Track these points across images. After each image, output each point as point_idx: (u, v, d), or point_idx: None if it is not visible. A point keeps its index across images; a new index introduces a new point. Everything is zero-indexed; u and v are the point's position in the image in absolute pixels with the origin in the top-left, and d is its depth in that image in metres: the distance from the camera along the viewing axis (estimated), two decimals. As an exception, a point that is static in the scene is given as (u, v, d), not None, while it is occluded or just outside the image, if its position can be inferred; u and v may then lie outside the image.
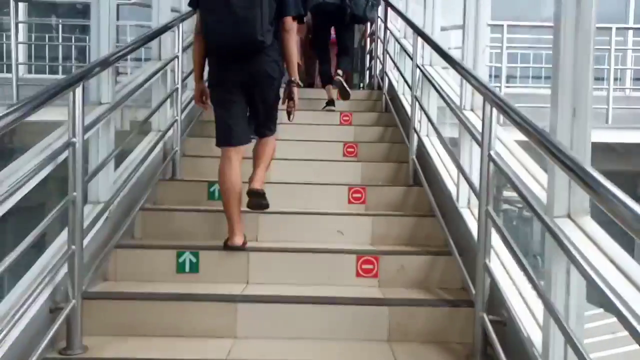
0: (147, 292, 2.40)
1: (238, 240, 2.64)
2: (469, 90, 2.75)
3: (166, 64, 3.37)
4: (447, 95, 2.93)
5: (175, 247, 2.68)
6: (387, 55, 4.90)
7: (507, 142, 2.43)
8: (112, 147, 2.68)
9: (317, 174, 3.60)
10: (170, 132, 3.50)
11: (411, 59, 3.60)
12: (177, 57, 3.48)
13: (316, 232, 2.95)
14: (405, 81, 4.06)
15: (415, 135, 3.50)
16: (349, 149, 4.03)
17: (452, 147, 2.83)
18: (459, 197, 2.70)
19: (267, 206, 2.72)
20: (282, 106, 2.82)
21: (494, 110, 2.08)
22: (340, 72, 4.77)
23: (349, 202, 3.31)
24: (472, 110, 2.74)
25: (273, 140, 2.89)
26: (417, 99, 3.45)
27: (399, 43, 4.47)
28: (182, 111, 3.61)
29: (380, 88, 5.46)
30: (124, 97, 2.73)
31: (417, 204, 3.31)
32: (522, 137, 1.78)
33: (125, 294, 2.39)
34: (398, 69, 4.44)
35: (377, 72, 5.65)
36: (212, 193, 3.29)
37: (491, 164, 2.07)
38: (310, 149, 3.95)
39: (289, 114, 2.79)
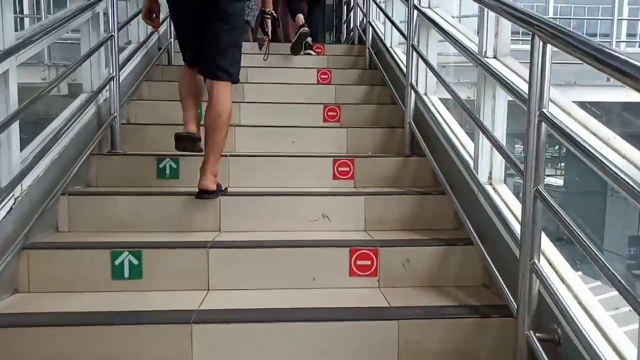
0: (65, 313, 1.75)
1: (191, 128, 2.36)
2: (492, 31, 2.11)
3: (93, 4, 2.61)
4: (459, 41, 2.29)
5: (110, 246, 2.01)
6: (371, 2, 4.19)
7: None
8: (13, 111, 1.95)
9: (294, 144, 2.95)
10: (106, 94, 2.78)
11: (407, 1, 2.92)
12: (109, -7, 2.70)
13: (295, 218, 2.33)
14: (398, 29, 3.38)
15: (413, 94, 2.86)
16: (330, 113, 3.37)
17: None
18: (478, 169, 2.10)
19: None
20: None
21: (549, 48, 1.45)
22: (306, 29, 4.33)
23: (335, 177, 2.68)
24: (496, 58, 2.11)
25: (227, 98, 2.25)
26: (415, 49, 2.80)
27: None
28: (120, 67, 2.88)
29: (362, 42, 4.78)
30: (25, 41, 1.98)
31: (416, 178, 2.70)
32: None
33: (38, 320, 1.73)
34: (387, 16, 3.75)
35: (358, 23, 4.95)
36: (162, 170, 2.61)
37: (543, 126, 1.47)
38: (283, 112, 3.29)
39: (260, 46, 2.56)
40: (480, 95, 2.08)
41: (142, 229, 2.25)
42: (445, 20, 2.71)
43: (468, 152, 2.26)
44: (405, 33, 2.91)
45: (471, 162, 2.16)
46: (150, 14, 2.41)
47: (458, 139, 2.41)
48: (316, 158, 2.73)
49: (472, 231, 2.05)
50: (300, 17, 4.41)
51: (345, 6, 6.02)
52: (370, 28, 4.23)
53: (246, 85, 3.52)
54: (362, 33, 4.79)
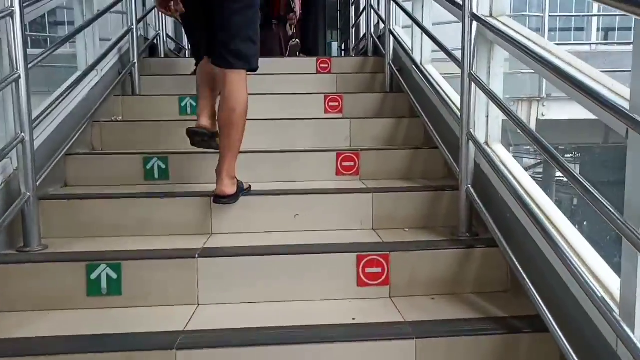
0: None
1: (203, 122, 2.16)
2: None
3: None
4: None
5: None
6: (392, 3, 3.24)
7: None
8: None
9: (297, 219, 2.05)
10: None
11: (458, 6, 1.97)
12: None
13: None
14: (442, 48, 2.38)
15: (472, 147, 1.92)
16: (345, 163, 2.45)
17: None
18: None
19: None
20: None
21: None
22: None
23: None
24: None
25: (242, 89, 1.97)
26: (475, 80, 1.86)
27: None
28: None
29: (378, 53, 3.83)
30: None
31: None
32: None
33: None
34: (417, 24, 2.80)
35: (372, 29, 4.00)
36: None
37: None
38: (281, 168, 2.40)
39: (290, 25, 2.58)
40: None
41: None
42: (527, 38, 1.76)
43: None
44: (460, 58, 1.95)
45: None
46: (165, 2, 2.07)
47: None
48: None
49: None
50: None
51: (353, 6, 5.03)
52: (391, 38, 3.28)
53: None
54: (377, 42, 3.84)
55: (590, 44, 5.50)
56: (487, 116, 1.98)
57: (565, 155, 7.50)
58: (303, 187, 2.22)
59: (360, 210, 2.07)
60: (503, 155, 1.91)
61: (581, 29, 5.81)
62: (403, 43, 3.14)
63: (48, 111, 2.18)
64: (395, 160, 2.46)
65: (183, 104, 3.01)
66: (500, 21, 1.94)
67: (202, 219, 2.03)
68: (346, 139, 2.74)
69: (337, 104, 3.07)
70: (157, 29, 3.86)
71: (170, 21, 4.72)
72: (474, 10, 1.86)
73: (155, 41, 3.89)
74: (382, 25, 3.90)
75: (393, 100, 3.10)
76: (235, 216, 2.04)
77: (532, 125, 4.10)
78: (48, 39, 5.54)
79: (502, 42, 1.83)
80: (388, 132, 2.75)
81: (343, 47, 6.56)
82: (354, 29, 5.00)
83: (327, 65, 3.75)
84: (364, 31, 4.87)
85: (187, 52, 4.83)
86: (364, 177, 2.44)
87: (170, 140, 2.66)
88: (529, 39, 1.77)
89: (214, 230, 2.03)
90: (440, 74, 2.73)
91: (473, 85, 1.88)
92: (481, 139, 1.96)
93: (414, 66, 2.91)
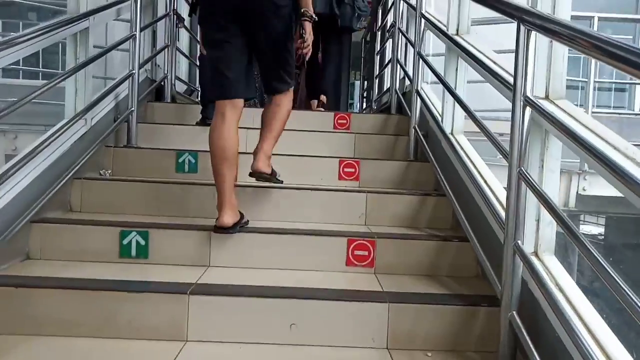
0: None
1: (227, 220, 1.94)
2: None
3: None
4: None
5: None
6: (421, 61, 2.91)
7: None
8: None
9: (293, 330, 1.65)
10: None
11: (508, 85, 1.61)
12: None
13: None
14: (484, 130, 1.97)
15: (519, 263, 1.51)
16: (358, 252, 2.06)
17: None
18: None
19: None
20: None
21: None
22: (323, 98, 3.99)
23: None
24: None
25: (288, 101, 2.20)
26: (526, 178, 1.48)
27: (451, 42, 2.47)
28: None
29: (401, 111, 3.50)
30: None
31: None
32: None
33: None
34: (451, 92, 2.44)
35: (397, 85, 3.67)
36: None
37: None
38: (286, 254, 2.02)
39: (299, 57, 2.18)
40: None
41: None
42: (592, 132, 1.39)
43: None
44: (506, 150, 1.57)
45: None
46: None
47: None
48: None
49: None
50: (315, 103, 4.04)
51: (378, 56, 4.74)
52: (418, 99, 2.94)
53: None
54: (402, 99, 3.51)
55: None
56: (538, 220, 1.60)
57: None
58: (303, 286, 1.83)
59: (372, 324, 1.67)
60: (557, 273, 1.51)
61: (622, 90, 5.44)
62: (431, 107, 2.79)
63: (14, 169, 1.87)
64: (418, 252, 2.07)
65: (180, 160, 2.69)
66: (558, 106, 1.57)
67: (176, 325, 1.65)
68: (361, 217, 2.36)
69: (353, 170, 2.72)
70: (166, 71, 3.59)
71: (184, 62, 4.48)
72: (528, 93, 1.50)
73: (162, 83, 3.62)
74: (407, 82, 3.58)
75: (417, 171, 2.73)
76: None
77: (572, 201, 3.68)
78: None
79: (560, 135, 1.45)
80: (410, 213, 2.37)
81: (364, 94, 6.24)
82: (377, 80, 4.69)
83: (345, 122, 3.42)
84: (388, 84, 4.57)
85: (198, 93, 4.57)
86: (379, 269, 2.05)
87: (157, 206, 2.32)
88: (596, 133, 1.40)
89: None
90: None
91: (523, 185, 1.50)
92: (529, 248, 1.57)
93: (442, 135, 2.55)
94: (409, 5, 3.27)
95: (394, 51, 3.65)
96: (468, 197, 2.15)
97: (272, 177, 2.18)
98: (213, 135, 1.97)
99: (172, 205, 2.32)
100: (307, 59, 2.21)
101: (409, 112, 3.15)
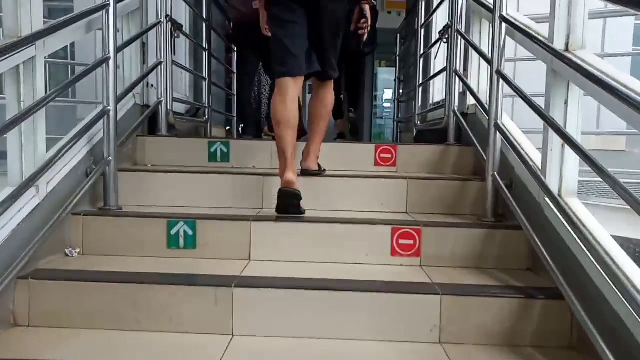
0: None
1: (291, 176, 2.07)
2: None
3: None
4: None
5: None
6: (501, 83, 2.08)
7: None
8: None
9: None
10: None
11: None
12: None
13: None
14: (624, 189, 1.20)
15: None
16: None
17: None
18: None
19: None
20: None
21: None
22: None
23: None
24: None
25: (331, 96, 2.37)
26: None
27: (559, 60, 1.64)
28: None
29: (460, 139, 2.72)
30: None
31: None
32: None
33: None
34: (557, 129, 1.62)
35: (456, 104, 2.86)
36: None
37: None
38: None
39: (360, 36, 2.43)
40: None
41: None
42: None
43: None
44: None
45: None
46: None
47: None
48: None
49: None
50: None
51: (420, 60, 3.89)
52: (498, 135, 2.11)
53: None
54: (463, 122, 2.70)
55: None
56: None
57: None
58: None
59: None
60: None
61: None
62: (521, 149, 1.97)
63: None
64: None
65: (174, 232, 1.95)
66: None
67: None
68: (433, 330, 1.59)
69: (412, 242, 1.95)
70: (160, 95, 2.84)
71: (188, 78, 3.74)
72: None
73: (159, 107, 2.88)
74: (470, 99, 2.77)
75: (504, 245, 1.94)
76: None
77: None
78: None
79: None
80: (508, 329, 1.58)
81: (399, 101, 5.39)
82: (420, 89, 3.86)
83: (390, 156, 2.65)
84: (436, 96, 3.75)
85: (207, 110, 3.82)
86: None
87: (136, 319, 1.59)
88: None
89: None
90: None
91: None
92: None
93: (544, 195, 1.75)
94: (479, 3, 2.43)
95: (450, 60, 2.83)
96: (605, 307, 1.36)
97: (320, 172, 2.39)
98: (279, 107, 2.13)
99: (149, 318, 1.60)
100: (365, 39, 2.45)
101: (475, 142, 2.37)
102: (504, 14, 2.04)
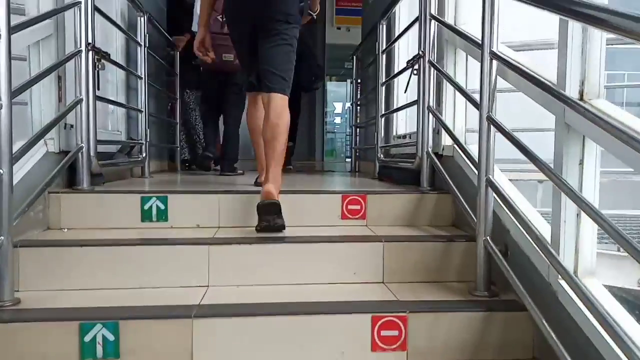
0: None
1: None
2: None
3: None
4: None
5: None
6: (493, 131, 1.75)
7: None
8: None
9: None
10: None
11: None
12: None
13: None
14: None
15: None
16: None
17: None
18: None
19: (282, 227, 2.01)
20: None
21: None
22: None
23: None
24: None
25: (284, 110, 2.21)
26: None
27: (573, 109, 1.32)
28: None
29: (434, 183, 2.39)
30: None
31: None
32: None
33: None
34: (572, 195, 1.30)
35: (430, 143, 2.53)
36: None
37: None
38: None
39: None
40: None
41: None
42: None
43: None
44: None
45: None
46: (202, 44, 2.48)
47: None
48: None
49: None
50: None
51: (382, 88, 3.56)
52: (491, 193, 1.77)
53: None
54: (439, 165, 2.37)
55: None
56: None
57: None
58: None
59: None
60: None
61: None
62: (522, 215, 1.63)
63: None
64: None
65: (88, 339, 1.48)
66: None
67: None
68: None
69: (397, 333, 1.57)
70: (80, 140, 2.33)
71: (119, 110, 3.24)
72: None
73: (79, 154, 2.36)
74: (445, 139, 2.46)
75: (505, 330, 1.60)
76: None
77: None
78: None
79: None
80: None
81: (355, 129, 5.06)
82: (382, 119, 3.53)
83: (360, 208, 2.28)
84: (403, 130, 3.45)
85: (145, 146, 3.33)
86: None
87: None
88: None
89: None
90: None
91: None
92: None
93: (558, 276, 1.42)
94: (460, 34, 2.11)
95: (422, 94, 2.50)
96: None
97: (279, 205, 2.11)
98: (251, 120, 2.51)
99: None
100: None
101: (454, 189, 2.05)
102: (494, 49, 1.71)
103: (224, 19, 2.50)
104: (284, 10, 2.22)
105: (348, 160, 13.64)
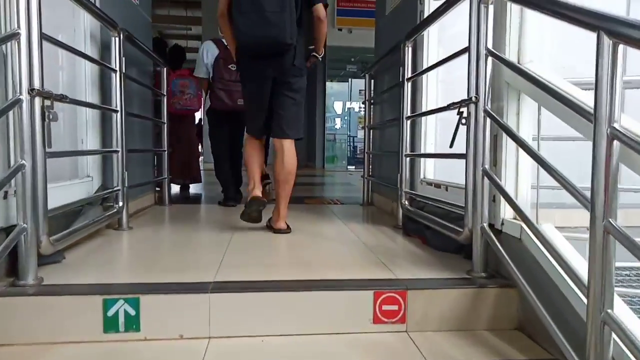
0: None
1: (258, 192, 2.73)
2: None
3: None
4: None
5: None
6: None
7: None
8: None
9: None
10: None
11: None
12: None
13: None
14: None
15: None
16: None
17: None
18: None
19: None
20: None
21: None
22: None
23: None
24: None
25: (294, 154, 2.70)
26: None
27: None
28: None
29: (486, 268, 1.83)
30: None
31: None
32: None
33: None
34: None
35: (485, 216, 1.96)
36: None
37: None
38: None
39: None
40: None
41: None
42: None
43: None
44: None
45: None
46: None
47: None
48: None
49: None
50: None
51: (407, 125, 2.99)
52: (611, 335, 1.21)
53: None
54: (500, 248, 1.80)
55: None
56: None
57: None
58: None
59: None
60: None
61: None
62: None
63: None
64: None
65: None
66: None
67: None
68: None
69: None
70: (22, 220, 1.73)
71: (91, 156, 2.66)
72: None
73: (20, 237, 1.76)
74: (506, 212, 1.90)
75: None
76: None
77: None
78: None
79: None
80: None
81: (369, 168, 4.46)
82: (407, 159, 2.95)
83: (397, 308, 1.72)
84: (432, 174, 2.89)
85: (121, 193, 2.74)
86: None
87: None
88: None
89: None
90: None
91: None
92: None
93: None
94: (552, 93, 1.52)
95: (476, 150, 1.93)
96: None
97: (289, 230, 2.78)
98: (249, 151, 2.85)
99: None
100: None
101: (521, 280, 1.49)
102: (616, 126, 1.14)
103: (236, 69, 3.03)
104: (298, 65, 2.59)
105: (350, 168, 13.07)
